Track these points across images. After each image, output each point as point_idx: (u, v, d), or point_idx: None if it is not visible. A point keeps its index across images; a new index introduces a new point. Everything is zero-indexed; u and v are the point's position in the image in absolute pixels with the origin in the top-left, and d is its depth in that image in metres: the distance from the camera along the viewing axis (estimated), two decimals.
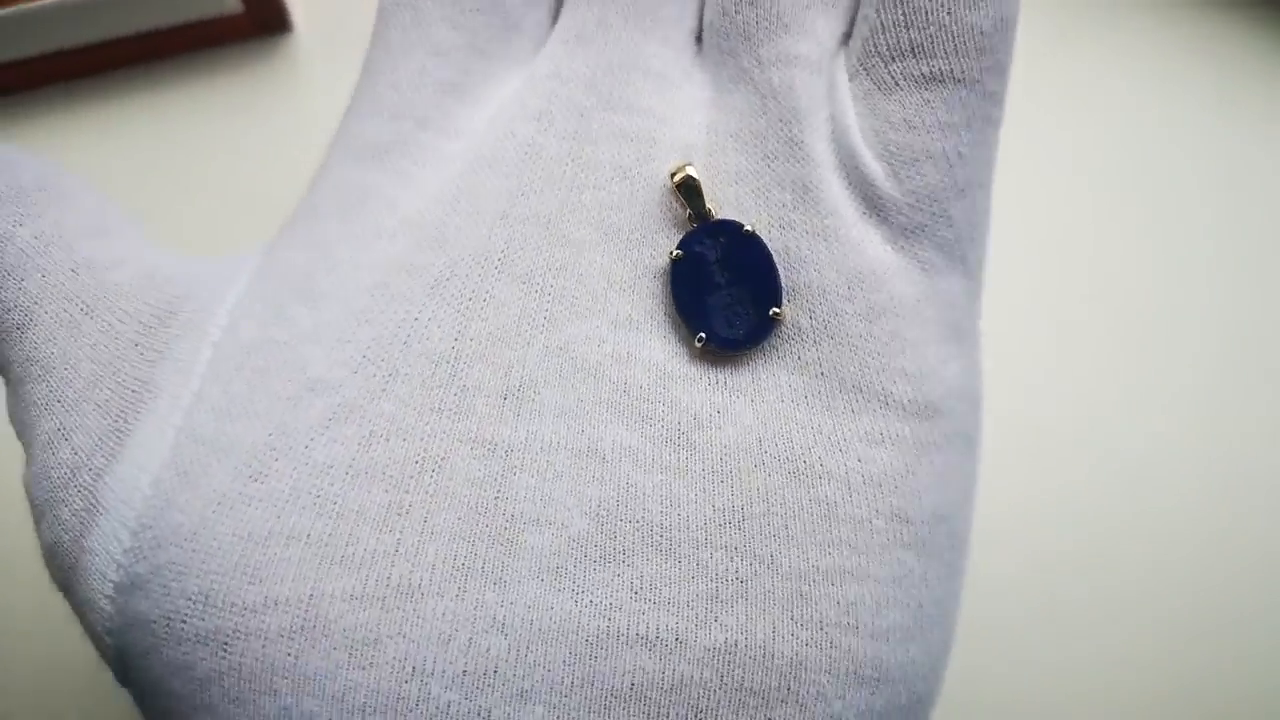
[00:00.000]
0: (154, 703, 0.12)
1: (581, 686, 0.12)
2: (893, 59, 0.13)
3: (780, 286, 0.13)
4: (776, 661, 0.12)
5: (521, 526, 0.12)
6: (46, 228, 0.14)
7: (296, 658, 0.11)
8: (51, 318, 0.13)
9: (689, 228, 0.13)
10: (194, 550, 0.12)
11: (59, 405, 0.13)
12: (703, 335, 0.13)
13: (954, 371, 0.13)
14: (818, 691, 0.12)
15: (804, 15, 0.13)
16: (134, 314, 0.14)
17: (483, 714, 0.11)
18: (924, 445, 0.13)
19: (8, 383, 0.14)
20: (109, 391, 0.13)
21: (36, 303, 0.13)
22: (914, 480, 0.13)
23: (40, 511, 0.13)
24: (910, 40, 0.13)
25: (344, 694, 0.11)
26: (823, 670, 0.12)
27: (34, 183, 0.14)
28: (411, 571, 0.12)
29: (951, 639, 0.14)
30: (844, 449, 0.13)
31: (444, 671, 0.12)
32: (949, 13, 0.13)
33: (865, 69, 0.13)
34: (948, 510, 0.13)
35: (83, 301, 0.14)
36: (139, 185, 0.25)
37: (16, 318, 0.13)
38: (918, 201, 0.13)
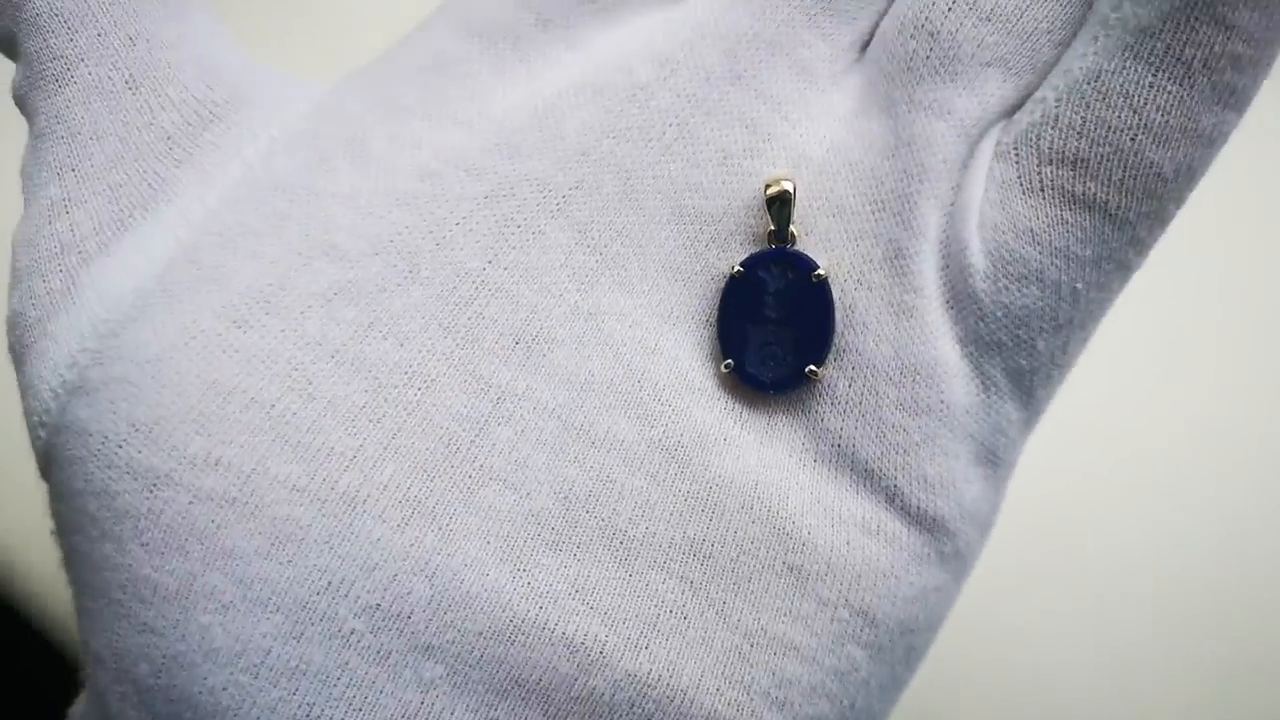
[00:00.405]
0: (65, 513, 0.12)
1: (489, 663, 0.11)
2: (1050, 161, 0.11)
3: (828, 345, 0.12)
4: (691, 711, 0.12)
5: (486, 480, 0.12)
6: None
7: (219, 528, 0.11)
8: (93, 80, 0.13)
9: (766, 245, 0.12)
10: (153, 376, 0.12)
11: (71, 174, 0.12)
12: (730, 363, 0.12)
13: (974, 494, 0.12)
14: None
15: (978, 71, 0.12)
16: (177, 103, 0.13)
17: (382, 653, 0.11)
18: (917, 555, 0.12)
19: (31, 132, 0.13)
20: (125, 177, 0.12)
21: (83, 59, 0.13)
22: (894, 585, 0.12)
23: (18, 276, 0.13)
24: (1077, 150, 0.11)
25: (252, 581, 0.11)
26: None
27: None
28: (361, 484, 0.11)
29: None
30: (837, 526, 0.12)
31: (358, 598, 0.11)
32: (1133, 139, 0.11)
33: (1017, 156, 0.12)
34: (916, 625, 0.12)
35: (130, 73, 0.13)
36: None
37: (57, 69, 0.13)
38: (1006, 318, 0.12)
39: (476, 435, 0.12)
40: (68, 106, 0.13)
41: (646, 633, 0.12)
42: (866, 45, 0.13)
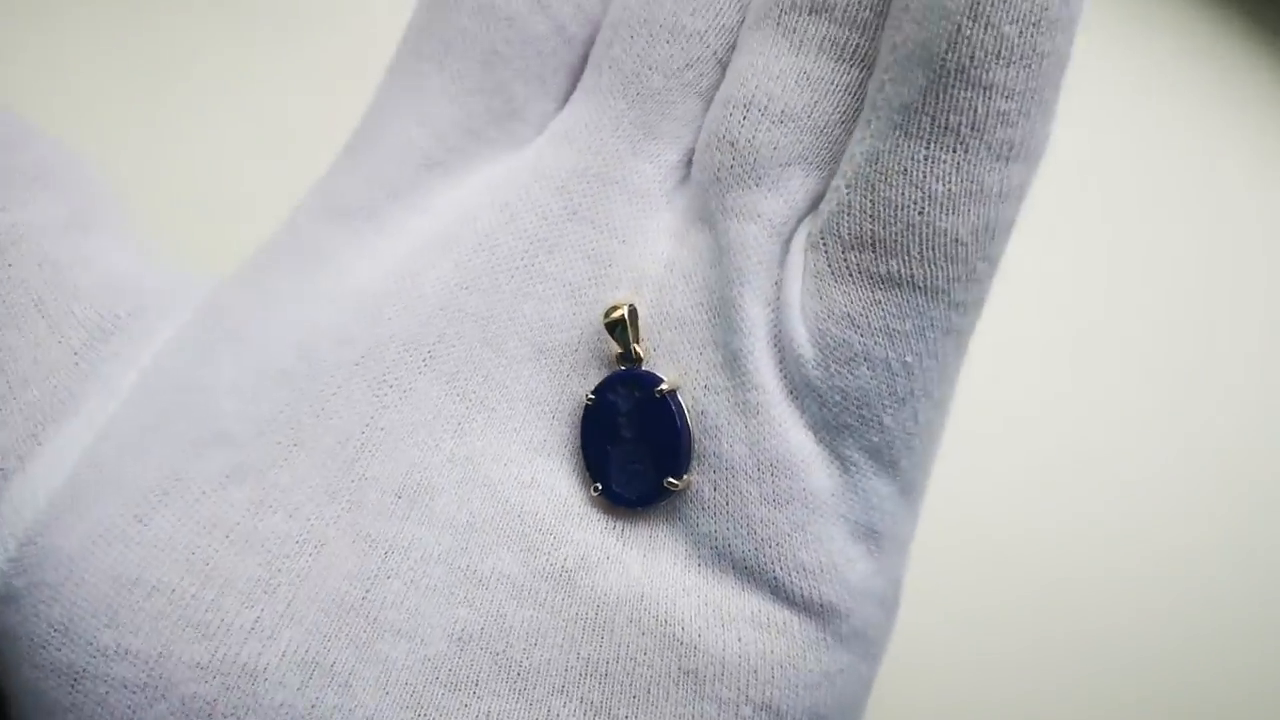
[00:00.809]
0: (13, 701, 0.13)
1: None
2: (851, 247, 0.12)
3: (682, 457, 0.12)
4: None
5: (381, 633, 0.12)
6: (27, 217, 0.14)
7: (134, 712, 0.12)
8: (5, 306, 0.14)
9: (616, 367, 0.12)
10: (67, 578, 0.12)
11: None
12: (598, 486, 0.12)
13: (861, 573, 0.12)
14: None
15: (781, 171, 0.12)
16: (82, 320, 0.14)
17: None
18: (812, 642, 0.12)
19: None
20: (37, 394, 0.13)
21: None
22: (792, 674, 0.12)
23: None
24: (873, 233, 0.11)
25: None
26: None
27: (32, 167, 0.14)
28: (260, 654, 0.12)
29: None
30: (726, 625, 0.12)
31: None
32: (920, 212, 0.11)
33: (824, 245, 0.12)
34: (826, 710, 0.12)
35: (39, 297, 0.14)
36: None
37: None
38: (845, 401, 0.12)
39: (367, 592, 0.12)
40: None
41: None
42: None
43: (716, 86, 0.13)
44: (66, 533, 0.13)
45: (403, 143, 0.14)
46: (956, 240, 0.11)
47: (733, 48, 0.13)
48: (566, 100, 0.14)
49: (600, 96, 0.13)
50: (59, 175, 0.15)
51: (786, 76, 0.12)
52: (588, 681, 0.12)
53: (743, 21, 0.13)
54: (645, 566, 0.12)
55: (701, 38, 0.13)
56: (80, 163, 0.15)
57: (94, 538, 0.13)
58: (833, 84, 0.12)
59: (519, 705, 0.12)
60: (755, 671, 0.12)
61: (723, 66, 0.13)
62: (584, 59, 0.14)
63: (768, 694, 0.12)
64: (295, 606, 0.12)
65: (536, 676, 0.12)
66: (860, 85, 0.12)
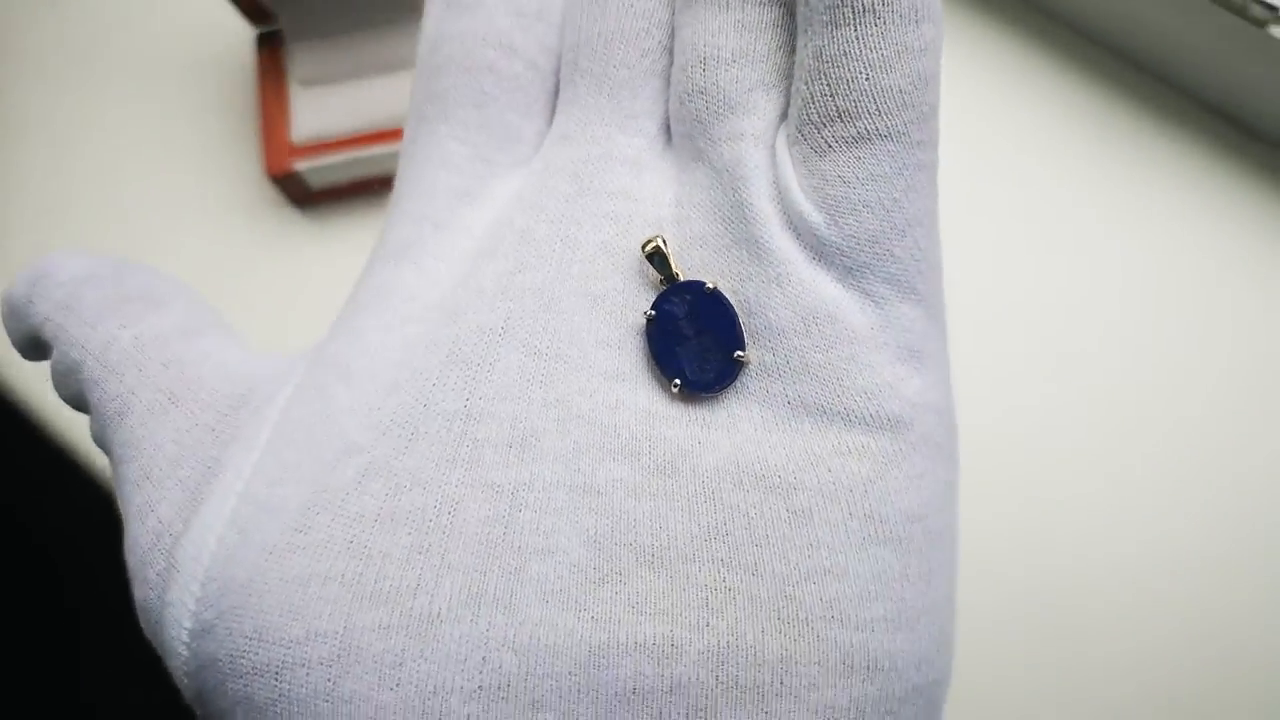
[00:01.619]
0: None
1: (587, 692, 0.13)
2: (824, 124, 0.14)
3: (741, 334, 0.14)
4: (767, 658, 0.13)
5: (527, 557, 0.14)
6: (145, 330, 0.16)
7: (335, 682, 0.13)
8: (145, 406, 0.16)
9: (661, 290, 0.15)
10: (249, 595, 0.14)
11: (148, 482, 0.15)
12: (678, 381, 0.15)
13: (915, 387, 0.14)
14: (809, 682, 0.13)
15: (747, 97, 0.15)
16: (211, 403, 0.16)
17: None
18: (890, 454, 0.14)
19: (111, 462, 0.16)
20: (188, 470, 0.15)
21: (133, 393, 0.16)
22: (884, 484, 0.14)
23: (134, 575, 0.15)
24: (837, 107, 0.14)
25: (376, 713, 0.13)
26: (812, 662, 0.13)
27: (137, 290, 0.17)
28: (431, 602, 0.13)
29: (947, 632, 0.15)
30: (815, 463, 0.14)
31: (462, 688, 0.13)
32: (867, 78, 0.14)
33: (802, 136, 0.14)
34: (921, 511, 0.14)
35: (171, 392, 0.16)
36: None
37: (117, 406, 0.16)
38: (859, 244, 0.14)
39: (506, 528, 0.14)
40: (131, 431, 0.16)
41: (703, 614, 0.13)
42: (669, 126, 0.16)
43: (668, 68, 0.16)
44: (240, 562, 0.14)
45: (434, 185, 0.16)
46: (900, 90, 0.14)
47: (669, 34, 0.16)
48: (551, 116, 0.17)
49: (581, 101, 0.16)
50: (162, 292, 0.17)
51: (725, 30, 0.15)
52: (712, 544, 0.14)
53: (671, 13, 0.16)
54: (733, 440, 0.14)
55: (646, 33, 0.16)
56: (175, 280, 0.18)
57: (264, 556, 0.14)
58: (761, 22, 0.15)
59: (660, 579, 0.14)
60: (850, 491, 0.14)
61: (667, 51, 0.16)
62: (555, 82, 0.17)
63: (867, 505, 0.14)
64: (449, 557, 0.14)
65: (667, 552, 0.14)
66: (781, 18, 0.15)
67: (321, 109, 0.35)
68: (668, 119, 0.16)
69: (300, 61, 0.35)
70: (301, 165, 0.34)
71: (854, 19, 0.14)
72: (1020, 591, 0.30)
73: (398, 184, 0.17)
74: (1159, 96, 0.36)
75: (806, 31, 0.14)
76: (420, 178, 0.16)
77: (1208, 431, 0.32)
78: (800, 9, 0.15)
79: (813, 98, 0.14)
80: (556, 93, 0.17)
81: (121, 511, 0.16)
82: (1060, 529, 0.31)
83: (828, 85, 0.14)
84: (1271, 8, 0.30)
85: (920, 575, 0.14)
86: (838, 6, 0.14)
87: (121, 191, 0.37)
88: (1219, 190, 0.34)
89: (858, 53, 0.14)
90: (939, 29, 0.14)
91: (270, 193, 0.37)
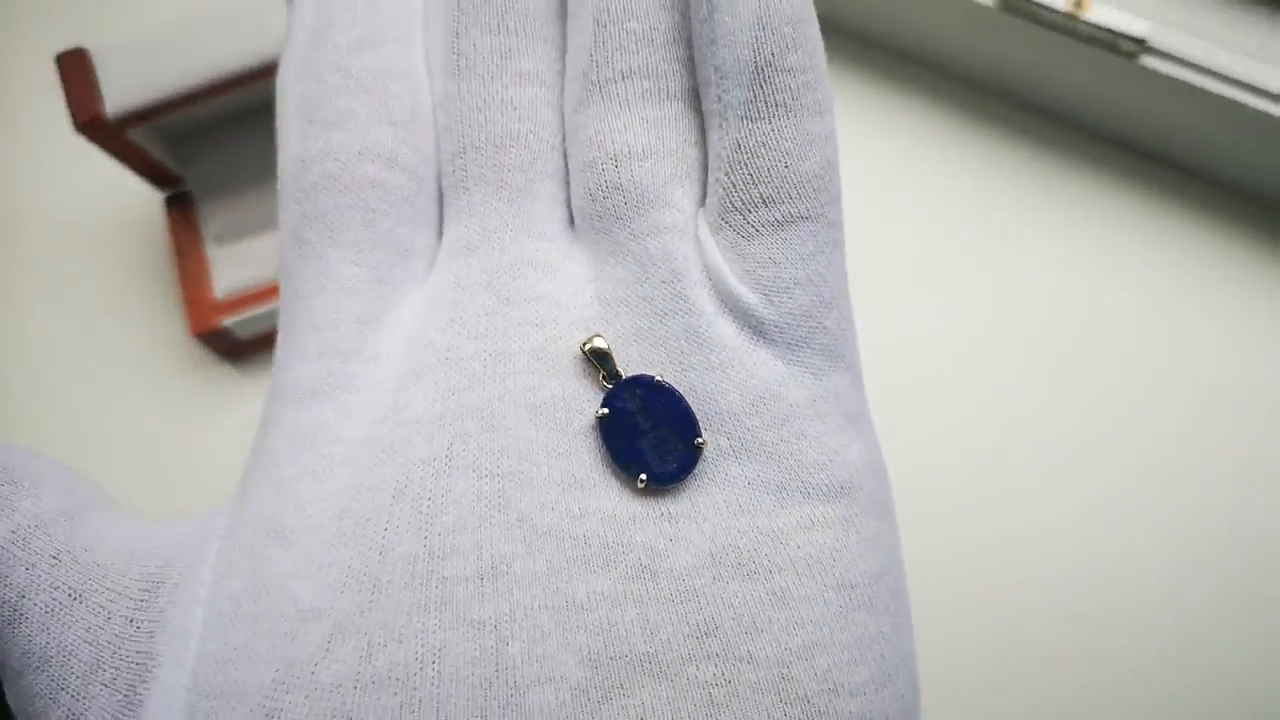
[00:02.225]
0: None
1: None
2: (749, 210, 0.15)
3: (696, 421, 0.14)
4: None
5: (526, 689, 0.13)
6: (21, 521, 0.15)
7: None
8: (41, 608, 0.14)
9: (606, 388, 0.15)
10: None
11: (65, 694, 0.14)
12: (643, 476, 0.14)
13: (856, 451, 0.15)
14: None
15: (664, 190, 0.15)
16: (122, 591, 0.15)
17: None
18: (847, 520, 0.14)
19: (6, 677, 0.14)
20: (113, 670, 0.14)
21: (23, 596, 0.14)
22: (848, 552, 0.14)
23: None
24: (760, 194, 0.15)
25: None
26: None
27: (2, 476, 0.15)
28: None
29: (916, 679, 0.15)
30: (784, 541, 0.14)
31: None
32: (786, 166, 0.15)
33: (727, 223, 0.15)
34: (881, 569, 0.15)
35: (69, 587, 0.14)
36: None
37: (6, 613, 0.14)
38: (795, 320, 0.15)
39: (497, 665, 0.13)
40: (30, 639, 0.14)
41: (710, 711, 0.13)
42: (570, 224, 0.16)
43: (560, 168, 0.16)
44: None
45: (334, 314, 0.15)
46: (816, 175, 0.15)
47: (558, 134, 0.16)
48: (437, 226, 0.16)
49: (479, 209, 0.16)
50: (29, 471, 0.15)
51: (633, 126, 0.15)
52: (706, 640, 0.14)
53: (557, 114, 0.16)
54: (702, 530, 0.14)
55: (535, 135, 0.16)
56: (44, 459, 0.16)
57: None
58: (665, 117, 0.15)
59: (663, 685, 0.13)
60: (821, 563, 0.14)
61: (557, 151, 0.16)
62: (437, 189, 0.16)
63: (837, 574, 0.14)
64: (443, 709, 0.13)
65: (663, 656, 0.13)
66: (681, 112, 0.15)
67: (242, 262, 0.34)
68: (567, 219, 0.16)
69: (213, 219, 0.35)
70: (229, 320, 0.34)
71: (769, 113, 0.15)
72: (991, 625, 0.31)
73: (286, 319, 0.16)
74: (1055, 135, 0.37)
75: (721, 126, 0.15)
76: (315, 308, 0.15)
77: (1157, 460, 0.33)
78: (712, 105, 0.15)
79: (735, 186, 0.15)
80: (439, 201, 0.17)
81: None
82: (1030, 563, 0.32)
83: (749, 174, 0.15)
84: (1138, 40, 0.31)
85: (893, 630, 0.14)
86: (752, 102, 0.15)
87: (44, 368, 0.37)
88: (1115, 213, 0.36)
89: (775, 144, 0.15)
90: (833, 120, 0.15)
91: (198, 352, 0.36)
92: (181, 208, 0.35)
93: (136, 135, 0.31)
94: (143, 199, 0.37)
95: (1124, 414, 0.33)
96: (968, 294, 0.35)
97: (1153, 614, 0.31)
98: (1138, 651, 0.30)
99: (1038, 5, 0.32)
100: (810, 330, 0.15)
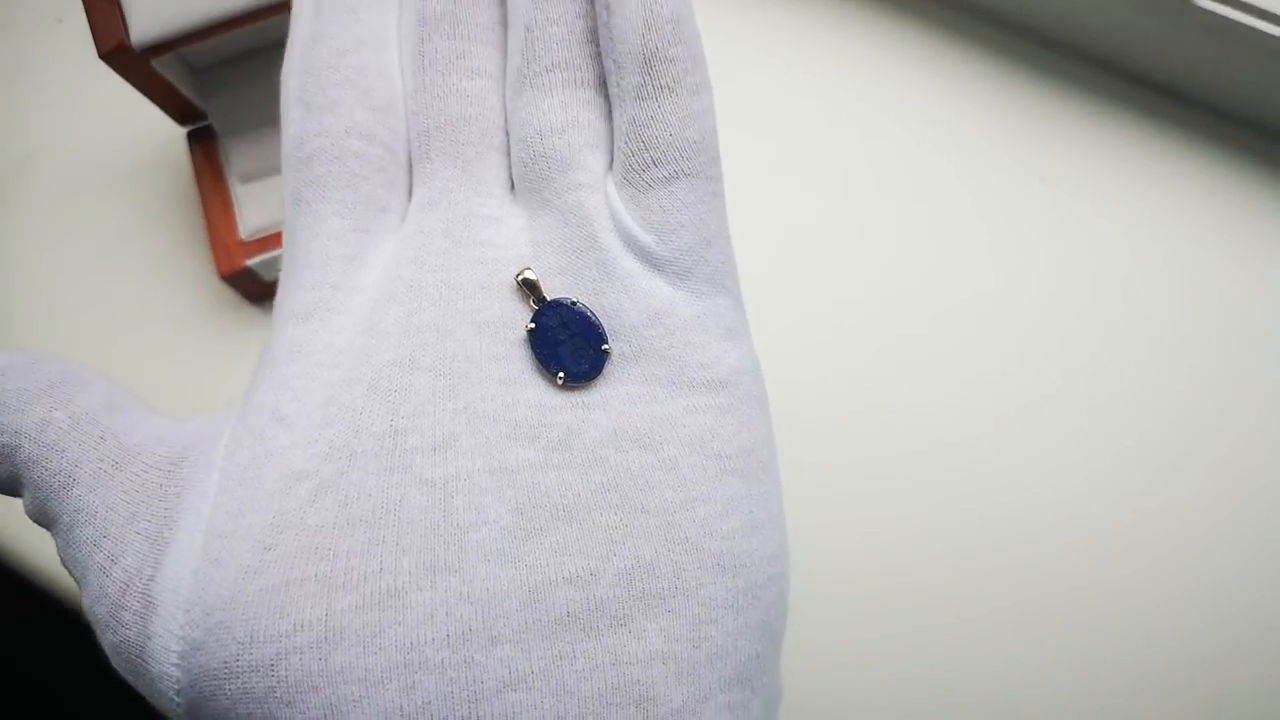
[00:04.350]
0: None
1: (533, 624, 0.17)
2: (643, 170, 0.19)
3: (603, 333, 0.19)
4: (663, 570, 0.17)
5: (466, 530, 0.17)
6: (76, 409, 0.19)
7: (325, 659, 0.16)
8: (91, 475, 0.18)
9: (534, 309, 0.19)
10: (234, 608, 0.17)
11: (106, 540, 0.18)
12: (562, 374, 0.18)
13: (735, 357, 0.19)
14: (696, 583, 0.17)
15: (578, 156, 0.19)
16: (154, 464, 0.18)
17: (467, 660, 0.16)
18: (725, 407, 0.19)
19: (59, 533, 0.18)
20: (146, 521, 0.18)
21: (77, 465, 0.18)
22: (724, 430, 0.18)
23: (103, 623, 0.17)
24: (651, 157, 0.19)
25: (366, 674, 0.16)
26: (696, 567, 0.17)
27: (57, 377, 0.19)
28: (394, 580, 0.17)
29: (783, 536, 0.19)
30: (673, 422, 0.18)
31: (434, 639, 0.16)
32: (670, 135, 0.19)
33: (627, 180, 0.19)
34: (752, 446, 0.19)
35: (112, 459, 0.18)
36: None
37: (62, 479, 0.18)
38: (682, 255, 0.19)
39: (444, 512, 0.17)
40: (81, 499, 0.18)
41: (610, 547, 0.17)
42: (511, 187, 0.20)
43: (504, 141, 0.20)
44: (219, 583, 0.17)
45: (325, 254, 0.19)
46: (695, 141, 0.19)
47: (501, 115, 0.20)
48: (409, 188, 0.20)
49: (439, 174, 0.20)
50: (79, 376, 0.19)
51: (554, 109, 0.19)
52: (608, 495, 0.18)
53: (501, 101, 0.20)
54: (608, 415, 0.18)
55: (483, 117, 0.20)
56: (85, 368, 0.20)
57: (242, 575, 0.17)
58: (579, 101, 0.19)
59: (573, 528, 0.17)
60: (702, 439, 0.18)
61: (501, 129, 0.20)
62: (407, 159, 0.20)
63: (715, 446, 0.18)
64: (402, 543, 0.17)
65: (574, 507, 0.17)
66: (593, 97, 0.19)
67: (266, 201, 0.34)
68: (509, 182, 0.20)
69: (237, 157, 0.34)
70: (253, 261, 0.33)
71: (655, 94, 0.19)
72: (1003, 585, 0.32)
73: (288, 259, 0.20)
74: (1099, 80, 0.37)
75: (620, 105, 0.19)
76: (311, 250, 0.19)
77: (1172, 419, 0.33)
78: (614, 89, 0.19)
79: (632, 152, 0.19)
80: (409, 169, 0.21)
81: (75, 574, 0.18)
82: (1039, 525, 0.32)
83: (642, 142, 0.19)
84: None
85: (760, 495, 0.19)
86: (643, 86, 0.19)
87: (72, 309, 0.36)
88: (1161, 162, 0.36)
89: (662, 118, 0.19)
90: (712, 96, 0.19)
91: (225, 293, 0.36)
92: (205, 144, 0.35)
93: (160, 66, 0.30)
94: (166, 136, 0.37)
95: (1173, 363, 0.33)
96: (1009, 242, 0.35)
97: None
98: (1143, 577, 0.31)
99: None
100: (695, 262, 0.19)
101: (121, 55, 0.28)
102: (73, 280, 0.37)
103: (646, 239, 0.19)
